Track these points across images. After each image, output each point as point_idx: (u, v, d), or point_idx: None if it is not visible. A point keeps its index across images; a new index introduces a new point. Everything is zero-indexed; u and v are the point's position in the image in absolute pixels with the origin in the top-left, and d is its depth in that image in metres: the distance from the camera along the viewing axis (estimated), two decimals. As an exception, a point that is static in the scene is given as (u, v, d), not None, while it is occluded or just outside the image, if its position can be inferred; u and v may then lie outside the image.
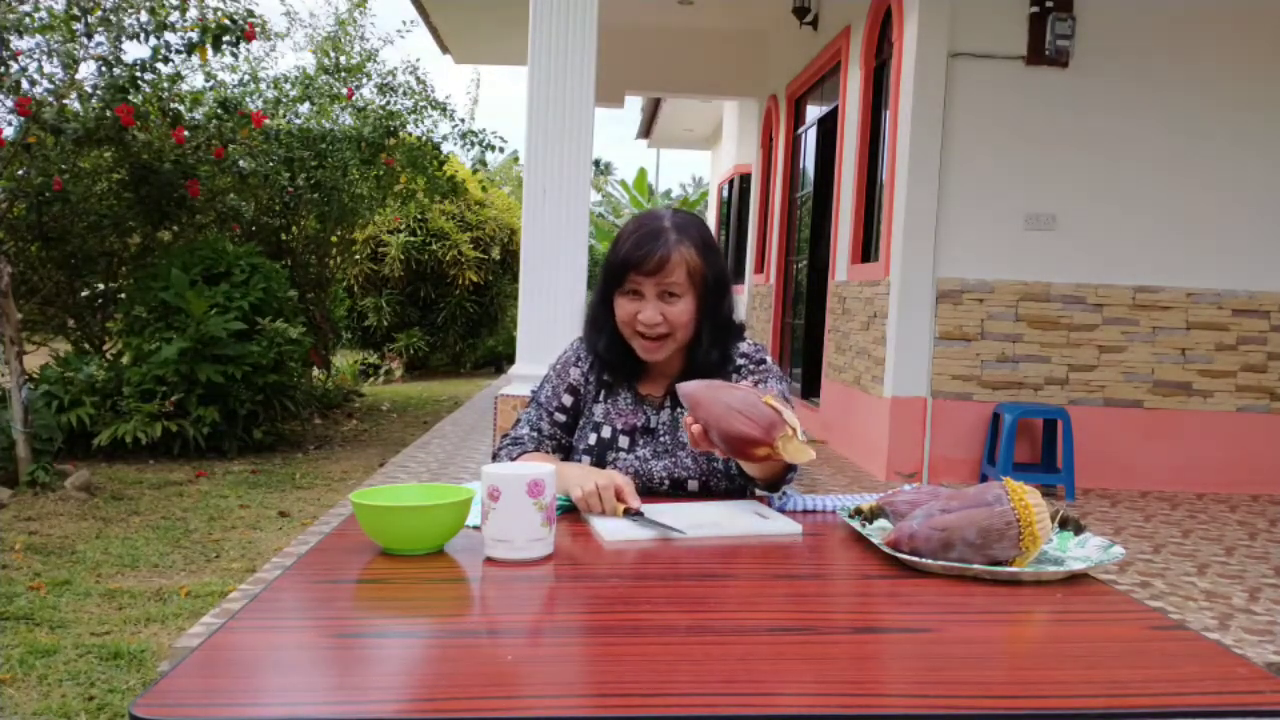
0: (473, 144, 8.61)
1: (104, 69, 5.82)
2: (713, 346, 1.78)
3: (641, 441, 1.80)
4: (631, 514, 1.52)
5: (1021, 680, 0.97)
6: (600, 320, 1.81)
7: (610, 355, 1.81)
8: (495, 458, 1.85)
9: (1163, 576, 3.88)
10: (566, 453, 1.88)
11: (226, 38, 5.97)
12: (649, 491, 1.76)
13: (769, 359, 1.88)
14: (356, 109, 8.03)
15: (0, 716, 2.52)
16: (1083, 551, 1.36)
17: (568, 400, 1.86)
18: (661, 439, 1.80)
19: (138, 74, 5.88)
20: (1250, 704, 0.91)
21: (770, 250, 9.41)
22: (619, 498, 1.53)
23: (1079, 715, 0.89)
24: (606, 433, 1.81)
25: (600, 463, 1.79)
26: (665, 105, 13.44)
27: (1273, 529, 4.83)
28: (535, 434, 1.85)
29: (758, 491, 1.73)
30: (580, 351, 1.89)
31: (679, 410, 1.80)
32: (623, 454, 1.79)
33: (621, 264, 1.72)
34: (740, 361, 1.85)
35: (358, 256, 10.97)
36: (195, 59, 6.34)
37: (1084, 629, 1.12)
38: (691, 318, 1.74)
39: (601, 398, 1.85)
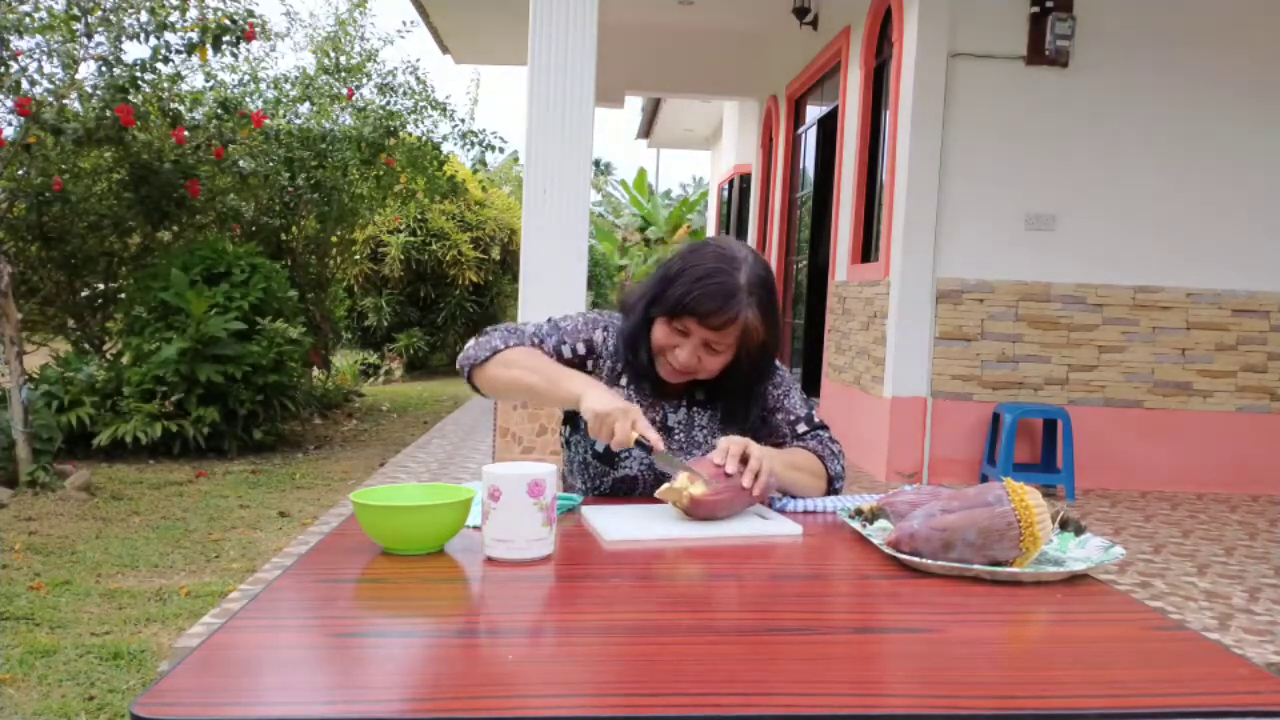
0: (473, 144, 8.61)
1: (104, 69, 5.82)
2: (741, 410, 1.77)
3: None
4: (644, 446, 1.54)
5: (1021, 680, 0.97)
6: (637, 329, 1.74)
7: (640, 365, 1.76)
8: (481, 334, 1.79)
9: (1163, 576, 3.88)
10: None
11: (226, 38, 5.97)
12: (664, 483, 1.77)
13: (781, 366, 1.87)
14: (356, 109, 8.03)
15: (0, 716, 2.52)
16: (1083, 552, 1.36)
17: (581, 349, 1.81)
18: (676, 436, 1.80)
19: (138, 74, 5.88)
20: (1250, 704, 0.91)
21: (770, 250, 9.41)
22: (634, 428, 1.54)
23: (1079, 715, 0.89)
24: None
25: (615, 455, 1.77)
26: (665, 105, 13.44)
27: (1273, 529, 4.83)
28: (536, 339, 1.79)
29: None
30: (609, 322, 1.84)
31: (694, 409, 1.81)
32: (639, 448, 1.79)
33: (683, 306, 1.63)
34: None
35: (358, 256, 10.97)
36: (195, 59, 6.34)
37: (1084, 629, 1.12)
38: (723, 368, 1.70)
39: (624, 382, 1.81)
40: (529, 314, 4.19)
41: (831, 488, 1.78)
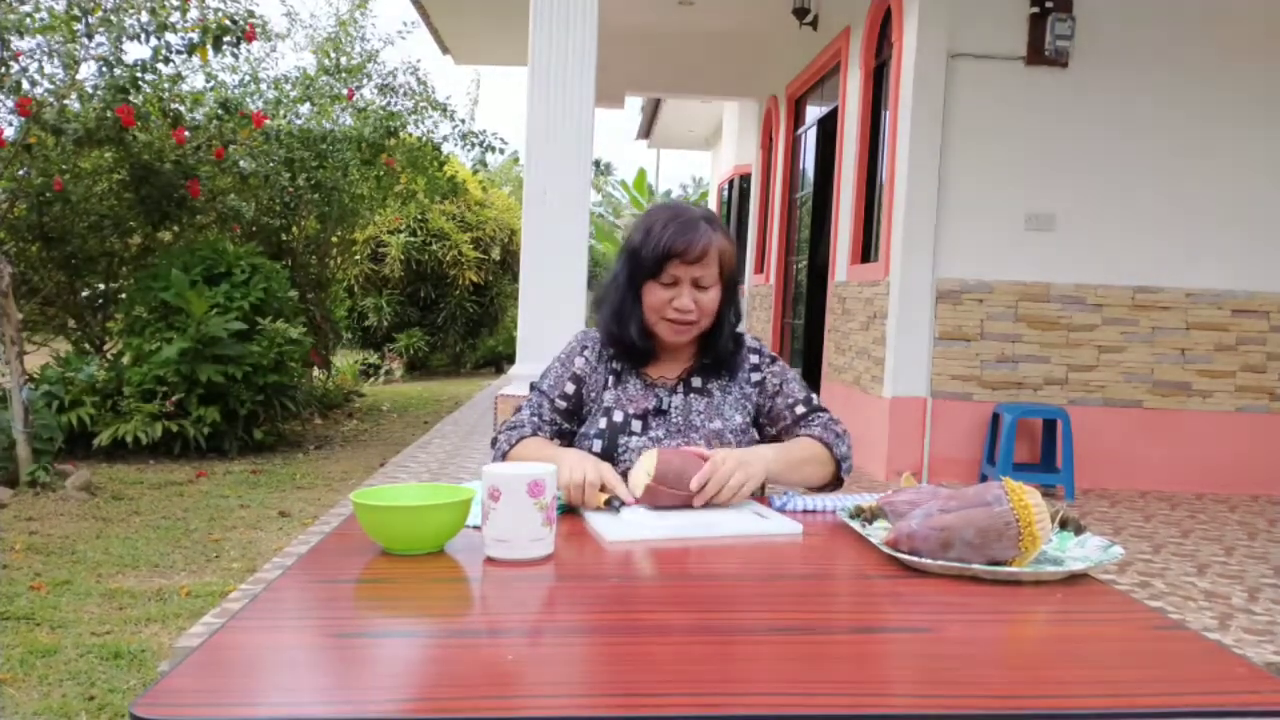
0: (473, 145, 8.61)
1: (104, 69, 5.82)
2: (729, 335, 1.87)
3: (655, 424, 1.82)
4: (615, 504, 1.55)
5: (1021, 680, 0.97)
6: (627, 307, 1.84)
7: (633, 342, 1.84)
8: (494, 443, 1.86)
9: (1162, 576, 3.88)
10: (566, 440, 1.89)
11: (227, 38, 5.97)
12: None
13: (779, 359, 1.97)
14: (357, 109, 8.03)
15: (0, 716, 2.52)
16: (1082, 551, 1.36)
17: (570, 388, 1.88)
18: (674, 420, 1.83)
19: (138, 74, 5.88)
20: (1250, 704, 0.91)
21: (770, 250, 9.41)
22: (603, 489, 1.58)
23: (1079, 715, 0.89)
24: (618, 417, 1.82)
25: (612, 445, 1.79)
26: (665, 106, 13.44)
27: (1272, 529, 4.83)
28: (536, 419, 1.86)
29: (766, 491, 1.82)
30: (585, 341, 1.92)
31: (691, 395, 1.86)
32: (635, 437, 1.80)
33: (664, 254, 1.76)
34: (754, 360, 1.92)
35: (358, 257, 10.97)
36: (196, 59, 6.34)
37: (1084, 629, 1.12)
38: (717, 307, 1.83)
39: (610, 384, 1.86)
40: (529, 314, 4.19)
41: (839, 469, 1.81)
